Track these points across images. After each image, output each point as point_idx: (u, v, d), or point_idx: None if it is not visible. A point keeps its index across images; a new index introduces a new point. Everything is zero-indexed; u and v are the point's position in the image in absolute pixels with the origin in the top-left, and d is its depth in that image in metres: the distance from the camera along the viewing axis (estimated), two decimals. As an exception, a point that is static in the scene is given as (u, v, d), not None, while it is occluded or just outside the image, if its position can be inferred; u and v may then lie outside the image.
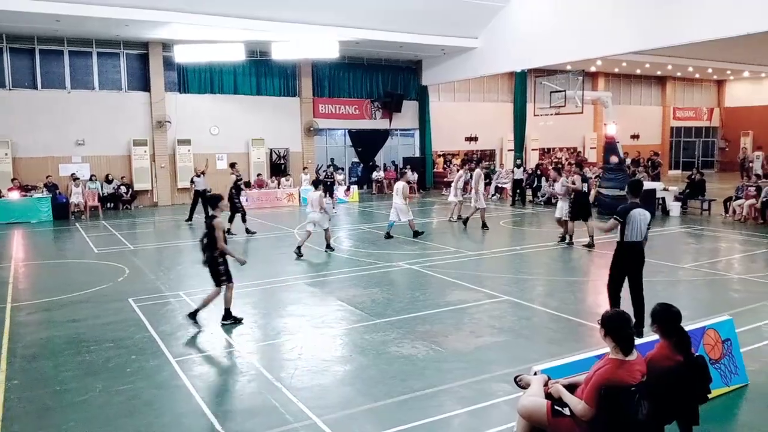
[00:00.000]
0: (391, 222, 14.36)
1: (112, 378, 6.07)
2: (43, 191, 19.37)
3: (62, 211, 19.12)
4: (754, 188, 16.54)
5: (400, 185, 14.38)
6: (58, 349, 6.99)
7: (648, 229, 6.96)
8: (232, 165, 16.54)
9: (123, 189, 21.64)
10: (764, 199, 15.84)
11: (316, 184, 13.41)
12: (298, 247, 12.21)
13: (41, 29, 19.57)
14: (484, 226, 15.42)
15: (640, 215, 6.87)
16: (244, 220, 15.44)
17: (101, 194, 20.75)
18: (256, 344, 7.17)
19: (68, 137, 21.12)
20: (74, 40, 21.04)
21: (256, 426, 5.02)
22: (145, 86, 22.30)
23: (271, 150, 24.86)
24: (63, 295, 9.48)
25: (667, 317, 4.32)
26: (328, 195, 20.20)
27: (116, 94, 21.99)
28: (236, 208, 15.37)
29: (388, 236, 14.14)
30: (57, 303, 9.03)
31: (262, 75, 24.43)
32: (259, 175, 23.53)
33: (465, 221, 15.94)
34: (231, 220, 15.28)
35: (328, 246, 12.63)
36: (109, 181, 21.32)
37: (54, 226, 17.71)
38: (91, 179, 20.78)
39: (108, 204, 21.21)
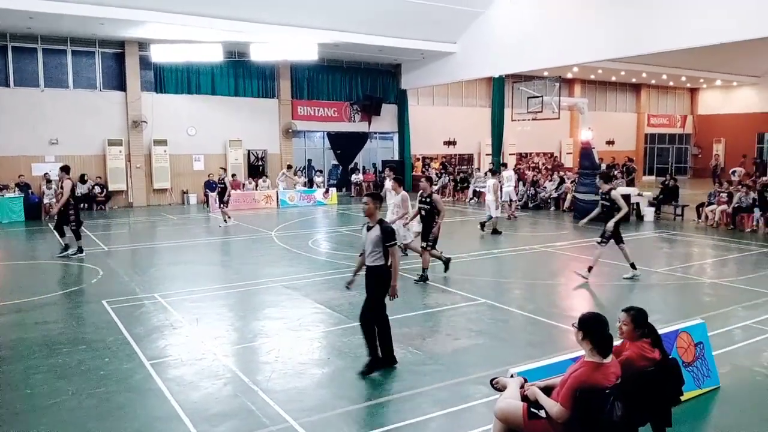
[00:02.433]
0: (488, 215, 15.43)
1: (84, 381, 5.96)
2: (15, 191, 19.00)
3: (35, 212, 18.77)
4: (726, 194, 16.88)
5: (491, 182, 15.35)
6: (28, 351, 6.85)
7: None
8: (65, 169, 12.91)
9: (97, 189, 21.33)
10: (736, 205, 16.17)
11: (493, 172, 15.50)
12: (482, 223, 14.93)
13: (14, 26, 19.22)
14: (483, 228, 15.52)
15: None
16: (77, 236, 12.70)
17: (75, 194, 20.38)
18: (233, 347, 7.10)
19: (41, 136, 20.76)
20: (48, 37, 20.70)
21: (231, 429, 4.97)
22: (121, 85, 22.03)
23: (248, 151, 24.71)
24: (35, 296, 9.29)
25: (645, 318, 4.43)
26: (217, 201, 17.74)
27: (91, 93, 21.68)
28: (68, 219, 12.62)
29: (495, 231, 15.25)
30: (28, 305, 8.84)
31: (240, 76, 24.29)
32: (233, 175, 23.32)
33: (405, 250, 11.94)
34: (72, 234, 12.68)
35: (495, 230, 14.86)
36: (83, 182, 20.99)
37: (26, 226, 17.37)
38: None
39: (82, 204, 20.85)
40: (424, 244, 10.27)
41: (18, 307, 8.72)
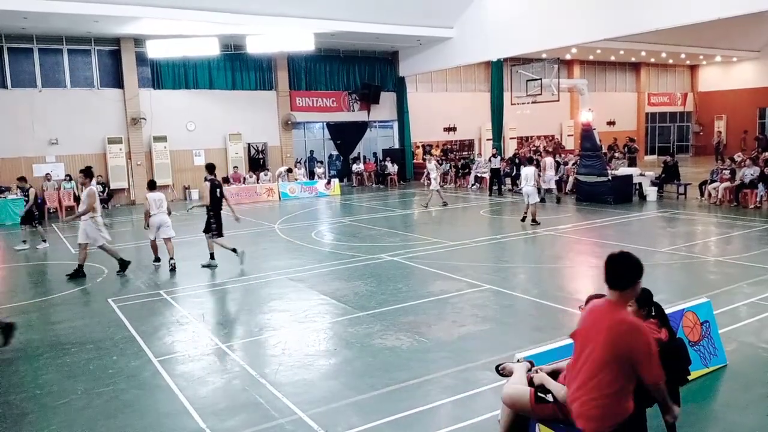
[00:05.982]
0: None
1: (93, 380, 5.99)
2: (16, 193, 18.99)
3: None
4: (728, 171, 16.80)
5: (529, 171, 14.47)
6: (36, 352, 6.88)
7: None
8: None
9: (99, 188, 21.30)
10: (738, 182, 16.10)
11: (530, 160, 16.09)
12: (533, 219, 14.00)
13: (8, 27, 19.16)
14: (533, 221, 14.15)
15: None
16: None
17: (77, 194, 20.40)
18: (240, 341, 7.12)
19: (41, 137, 20.74)
20: (43, 37, 20.62)
21: (241, 423, 5.00)
22: (118, 83, 21.97)
23: (248, 145, 24.67)
24: (41, 297, 9.33)
25: (648, 297, 4.43)
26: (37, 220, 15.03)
27: (88, 91, 21.63)
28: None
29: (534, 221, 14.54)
30: (35, 305, 8.88)
31: (238, 69, 24.20)
32: (235, 168, 23.35)
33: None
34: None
35: (534, 221, 13.99)
36: (84, 181, 20.96)
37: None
38: (66, 179, 20.44)
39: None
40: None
41: (25, 309, 8.75)
